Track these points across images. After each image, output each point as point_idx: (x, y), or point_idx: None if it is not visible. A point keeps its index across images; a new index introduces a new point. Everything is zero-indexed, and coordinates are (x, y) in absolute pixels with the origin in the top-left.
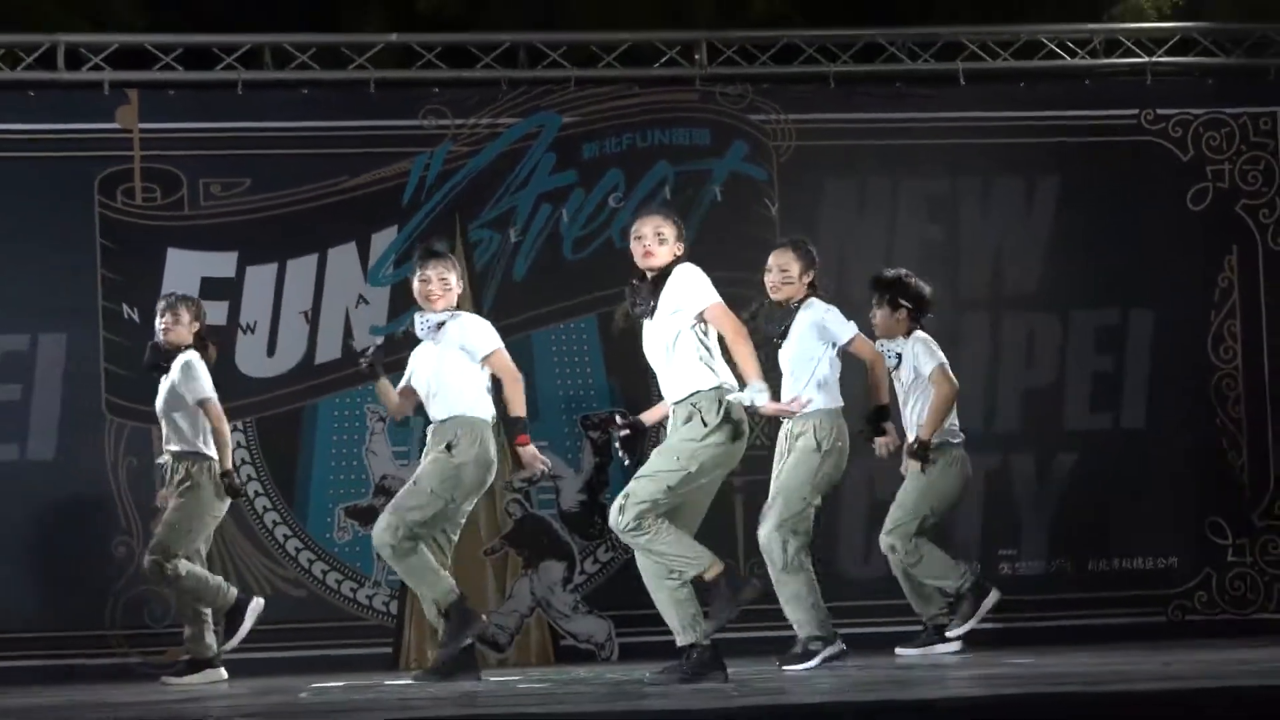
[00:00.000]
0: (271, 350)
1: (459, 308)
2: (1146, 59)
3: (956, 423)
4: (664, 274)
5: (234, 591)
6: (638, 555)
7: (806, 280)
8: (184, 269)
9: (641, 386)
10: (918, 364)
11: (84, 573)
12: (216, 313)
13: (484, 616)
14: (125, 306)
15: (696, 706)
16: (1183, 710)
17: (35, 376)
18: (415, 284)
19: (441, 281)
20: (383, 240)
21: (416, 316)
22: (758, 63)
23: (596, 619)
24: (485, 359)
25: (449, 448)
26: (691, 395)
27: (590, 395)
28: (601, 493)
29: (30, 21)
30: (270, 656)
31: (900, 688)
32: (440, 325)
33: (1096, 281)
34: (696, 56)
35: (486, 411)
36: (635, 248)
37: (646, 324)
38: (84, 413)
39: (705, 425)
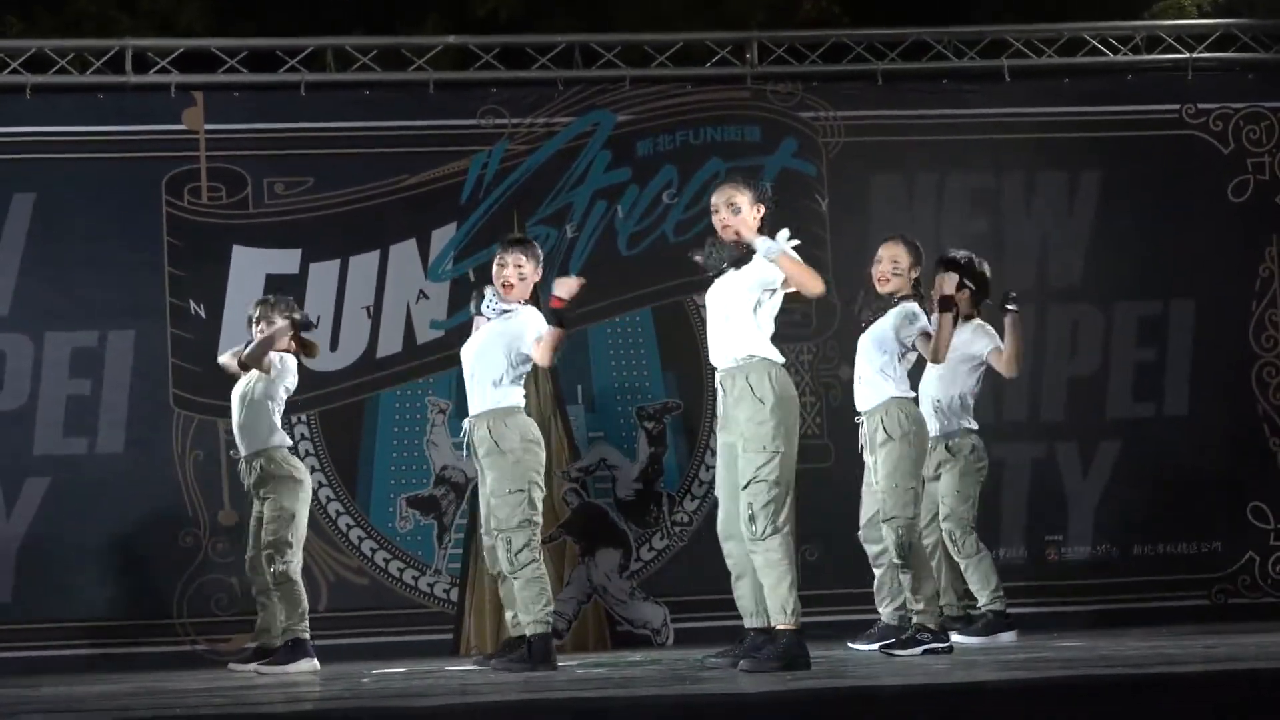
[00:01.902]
0: (335, 345)
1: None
2: (1187, 55)
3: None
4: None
5: (306, 624)
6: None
7: (914, 276)
8: (249, 266)
9: (696, 378)
10: (972, 346)
11: (152, 562)
12: None
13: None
14: (192, 303)
15: (750, 690)
16: (1227, 692)
17: (105, 372)
18: (494, 267)
19: (517, 269)
20: (442, 237)
21: (487, 291)
22: (807, 61)
23: (652, 605)
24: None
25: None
26: (744, 361)
27: (646, 387)
28: (656, 481)
29: (99, 27)
30: (334, 643)
31: (949, 671)
32: (506, 313)
33: (1139, 273)
34: (747, 55)
35: (520, 399)
36: (714, 220)
37: (716, 282)
38: (152, 407)
39: (762, 403)
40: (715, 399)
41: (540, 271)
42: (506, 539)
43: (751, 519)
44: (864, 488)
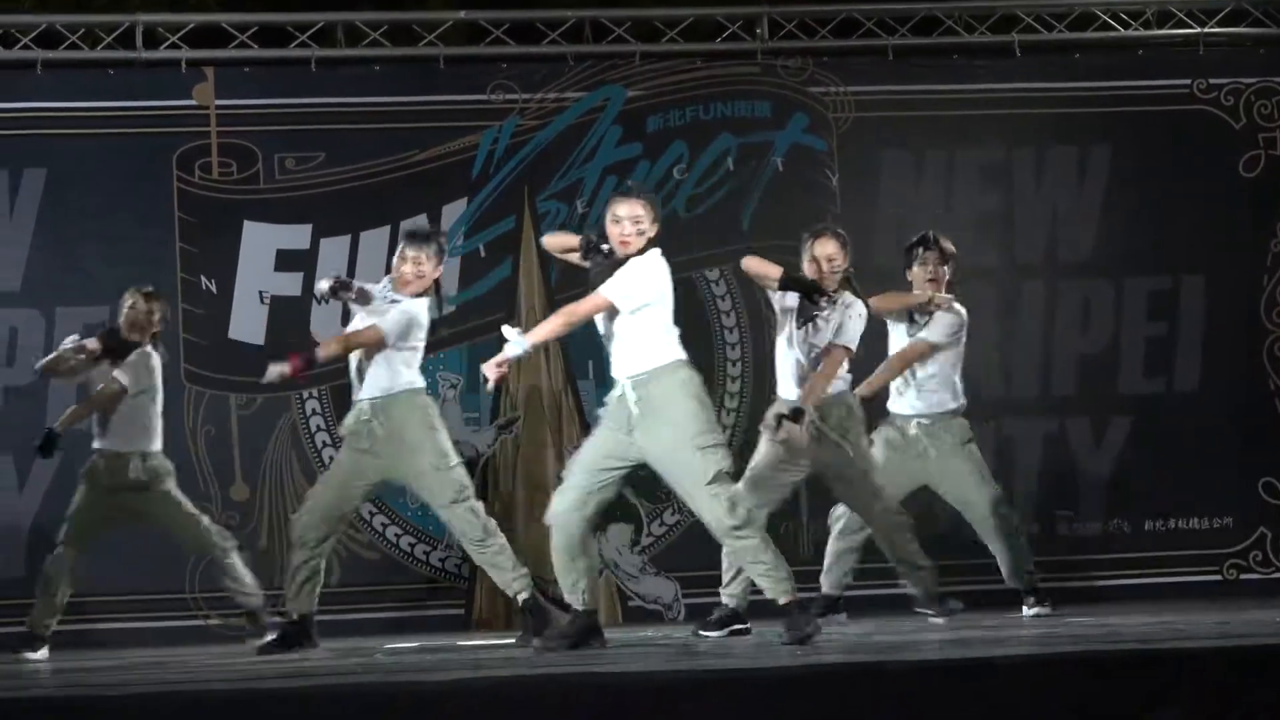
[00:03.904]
0: (345, 320)
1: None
2: (1198, 29)
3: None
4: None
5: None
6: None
7: (847, 270)
8: (259, 241)
9: (705, 353)
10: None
11: (164, 538)
12: (291, 284)
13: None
14: (203, 278)
15: (759, 664)
16: (1239, 668)
17: None
18: (395, 259)
19: (416, 265)
20: (453, 212)
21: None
22: (817, 36)
23: (664, 580)
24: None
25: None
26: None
27: None
28: None
29: (110, 3)
30: (347, 618)
31: (959, 646)
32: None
33: (1150, 248)
34: (758, 30)
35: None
36: (612, 230)
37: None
38: (164, 381)
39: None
40: (725, 374)
41: (441, 268)
42: (470, 508)
43: (732, 511)
44: None
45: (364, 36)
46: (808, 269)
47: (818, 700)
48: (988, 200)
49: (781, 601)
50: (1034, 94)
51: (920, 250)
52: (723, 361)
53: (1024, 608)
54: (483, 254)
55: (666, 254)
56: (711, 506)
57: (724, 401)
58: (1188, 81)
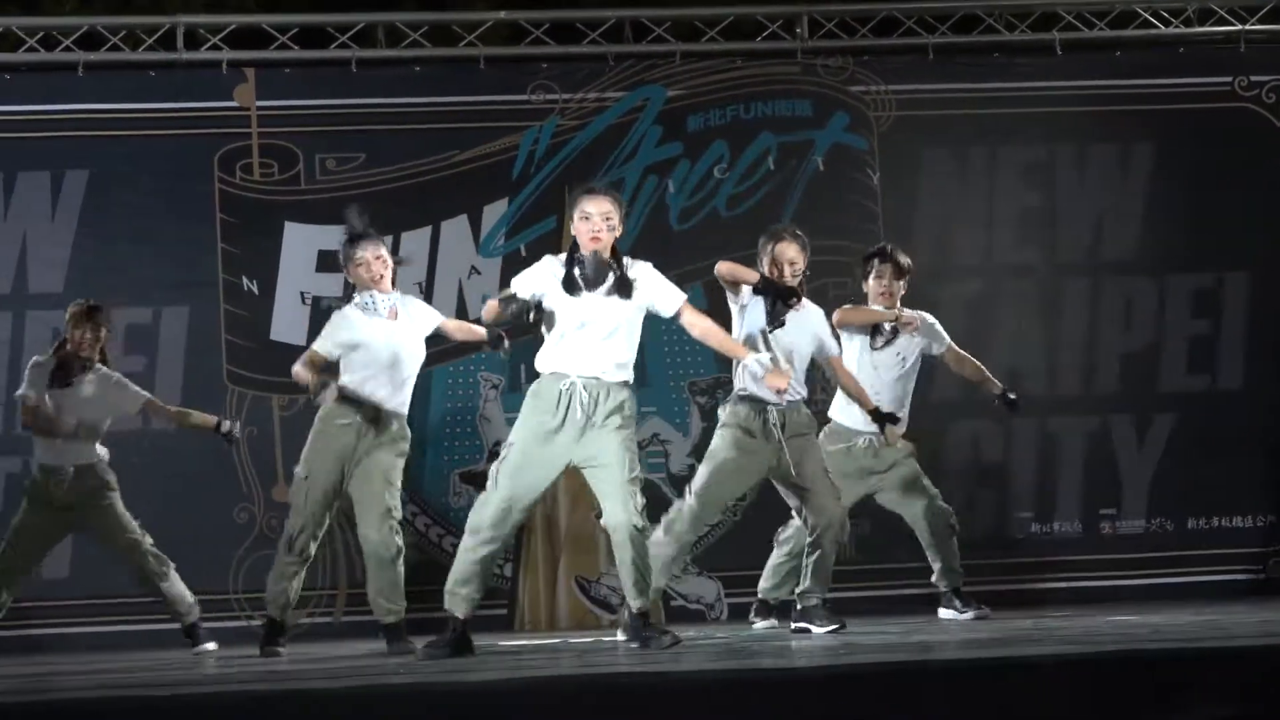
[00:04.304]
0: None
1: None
2: (1240, 27)
3: None
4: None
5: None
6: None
7: (805, 273)
8: (301, 242)
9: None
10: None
11: (207, 538)
12: (333, 285)
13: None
14: (245, 279)
15: (804, 664)
16: None
17: (159, 348)
18: (352, 268)
19: (380, 261)
20: (493, 213)
21: (358, 296)
22: (858, 35)
23: (706, 580)
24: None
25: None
26: (625, 387)
27: (697, 361)
28: None
29: (151, 5)
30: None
31: (1003, 645)
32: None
33: (1193, 246)
34: (798, 30)
35: None
36: (582, 227)
37: (589, 297)
38: (206, 383)
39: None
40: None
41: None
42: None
43: (641, 513)
44: None
45: (404, 37)
46: (767, 272)
47: (864, 699)
48: (1029, 198)
49: (636, 608)
50: (1075, 91)
51: (876, 263)
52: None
53: (947, 609)
54: (524, 254)
55: (707, 254)
56: (630, 502)
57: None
58: (1229, 79)
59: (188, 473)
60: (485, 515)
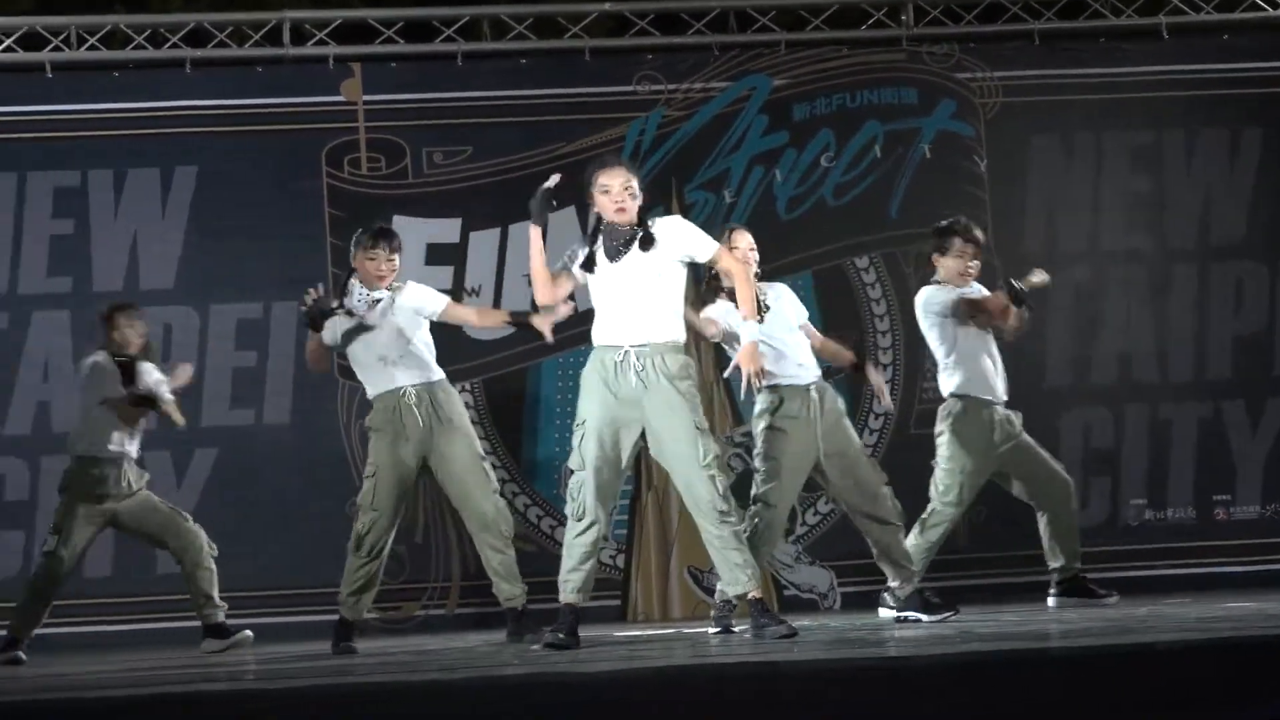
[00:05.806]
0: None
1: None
2: None
3: None
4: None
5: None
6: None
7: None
8: (409, 236)
9: (858, 340)
10: None
11: (320, 532)
12: (442, 278)
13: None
14: (354, 274)
15: (925, 653)
16: None
17: (270, 343)
18: (363, 258)
19: (390, 262)
20: None
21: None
22: (963, 22)
23: (818, 569)
24: (440, 313)
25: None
26: (677, 351)
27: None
28: None
29: (257, 1)
30: (500, 611)
31: (1119, 633)
32: (378, 301)
33: None
34: (903, 17)
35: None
36: (604, 201)
37: (620, 264)
38: (316, 377)
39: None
40: (876, 360)
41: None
42: (498, 501)
43: (724, 497)
44: None
45: (509, 30)
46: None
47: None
48: (1138, 183)
49: (734, 595)
50: (1183, 76)
51: (958, 241)
52: (874, 349)
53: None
54: None
55: (815, 242)
56: (708, 487)
57: None
58: None
59: (300, 465)
60: (581, 499)
